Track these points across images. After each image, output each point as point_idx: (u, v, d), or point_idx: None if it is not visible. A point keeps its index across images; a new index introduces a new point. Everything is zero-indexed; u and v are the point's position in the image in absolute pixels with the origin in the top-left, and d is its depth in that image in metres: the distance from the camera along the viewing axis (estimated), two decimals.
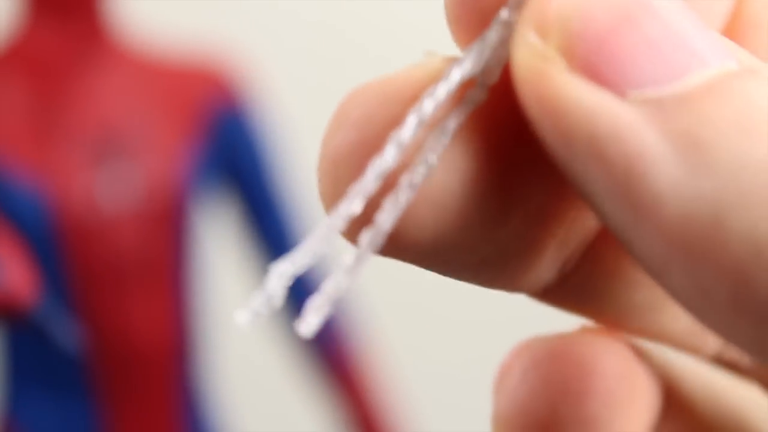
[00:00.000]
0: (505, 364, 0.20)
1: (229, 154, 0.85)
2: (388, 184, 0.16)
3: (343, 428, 0.87)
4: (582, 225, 0.19)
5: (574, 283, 0.20)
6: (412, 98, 0.17)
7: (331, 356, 0.85)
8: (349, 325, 0.86)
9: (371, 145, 0.17)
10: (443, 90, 0.17)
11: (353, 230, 0.17)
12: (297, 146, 0.94)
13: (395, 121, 0.17)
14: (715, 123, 0.15)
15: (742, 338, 0.15)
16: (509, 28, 0.17)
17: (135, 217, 0.81)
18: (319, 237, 0.17)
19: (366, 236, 0.16)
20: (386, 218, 0.16)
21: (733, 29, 0.18)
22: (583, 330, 0.20)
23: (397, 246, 0.17)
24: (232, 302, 1.13)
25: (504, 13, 0.17)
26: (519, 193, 0.18)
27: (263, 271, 0.88)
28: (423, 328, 1.27)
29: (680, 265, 0.15)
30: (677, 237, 0.15)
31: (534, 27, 0.16)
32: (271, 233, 0.86)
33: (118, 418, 0.82)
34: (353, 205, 0.16)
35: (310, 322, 0.16)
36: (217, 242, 0.92)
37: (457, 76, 0.17)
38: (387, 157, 0.16)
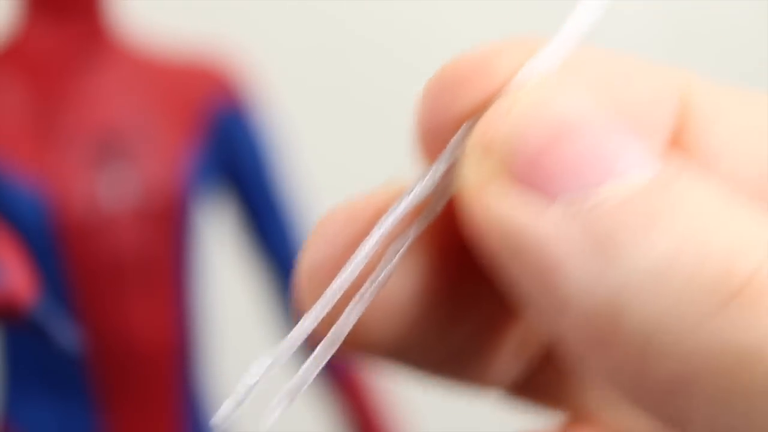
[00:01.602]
0: None
1: (230, 153, 0.85)
2: (351, 293, 0.19)
3: (344, 430, 0.87)
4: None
5: (541, 379, 0.22)
6: (375, 218, 0.20)
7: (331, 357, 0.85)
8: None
9: (340, 260, 0.20)
10: (400, 210, 0.19)
11: (323, 331, 0.20)
12: (298, 146, 0.94)
13: (361, 238, 0.20)
14: (623, 227, 0.17)
15: (652, 411, 0.17)
16: (461, 152, 0.19)
17: (135, 218, 0.81)
18: (294, 338, 0.19)
19: (326, 338, 0.19)
20: (345, 322, 0.19)
21: (680, 135, 0.20)
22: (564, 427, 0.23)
23: (357, 347, 0.20)
24: (233, 303, 1.14)
25: (454, 140, 0.19)
26: (469, 301, 0.20)
27: (263, 271, 0.87)
28: None
29: (592, 356, 0.17)
30: (587, 330, 0.17)
31: (478, 147, 0.18)
32: (271, 233, 0.86)
33: (118, 418, 0.82)
34: (323, 310, 0.19)
35: (269, 419, 0.20)
36: (218, 242, 0.92)
37: (409, 199, 0.19)
38: (351, 269, 0.19)
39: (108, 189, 0.80)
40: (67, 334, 0.61)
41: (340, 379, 0.86)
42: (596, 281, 0.17)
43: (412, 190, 0.19)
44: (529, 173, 0.18)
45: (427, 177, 0.19)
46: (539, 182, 0.18)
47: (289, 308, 0.87)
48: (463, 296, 0.20)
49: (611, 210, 0.17)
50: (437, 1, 1.25)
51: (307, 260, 0.21)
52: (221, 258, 0.96)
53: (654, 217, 0.17)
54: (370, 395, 0.86)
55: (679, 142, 0.20)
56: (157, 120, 0.82)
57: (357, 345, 0.20)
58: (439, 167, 0.19)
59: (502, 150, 0.18)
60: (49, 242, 0.79)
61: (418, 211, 0.20)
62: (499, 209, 0.18)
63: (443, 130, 0.20)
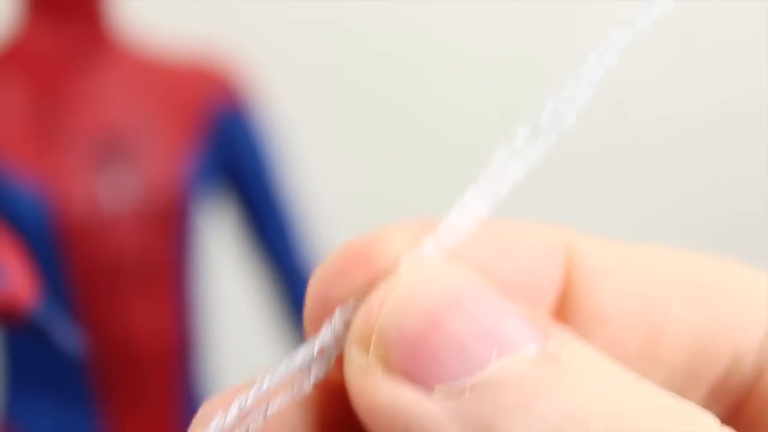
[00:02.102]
0: None
1: (230, 154, 0.85)
2: None
3: None
4: None
5: None
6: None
7: None
8: None
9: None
10: (277, 375, 0.20)
11: None
12: (298, 147, 0.94)
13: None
14: (503, 410, 0.17)
15: None
16: (344, 328, 0.20)
17: (136, 219, 0.81)
18: None
19: None
20: None
21: (567, 294, 0.21)
22: None
23: None
24: (234, 304, 1.14)
25: (335, 320, 0.20)
26: None
27: (264, 272, 0.87)
28: None
29: None
30: None
31: (356, 342, 0.19)
32: (271, 234, 0.86)
33: (119, 420, 0.82)
34: None
35: None
36: (218, 244, 0.92)
37: (283, 370, 0.20)
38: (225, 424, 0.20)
39: (108, 190, 0.80)
40: (67, 336, 0.61)
41: None
42: None
43: (284, 363, 0.20)
44: (406, 365, 0.18)
45: (305, 349, 0.20)
46: (417, 373, 0.18)
47: (289, 308, 0.87)
48: None
49: (490, 394, 0.17)
50: (437, 3, 1.25)
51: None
52: (222, 259, 0.96)
53: (533, 400, 0.17)
54: None
55: (565, 302, 0.20)
56: (157, 121, 0.82)
57: None
58: (312, 348, 0.20)
59: (379, 342, 0.18)
60: (49, 244, 0.79)
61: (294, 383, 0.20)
62: (382, 398, 0.18)
63: (327, 313, 0.20)
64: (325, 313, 0.20)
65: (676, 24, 1.28)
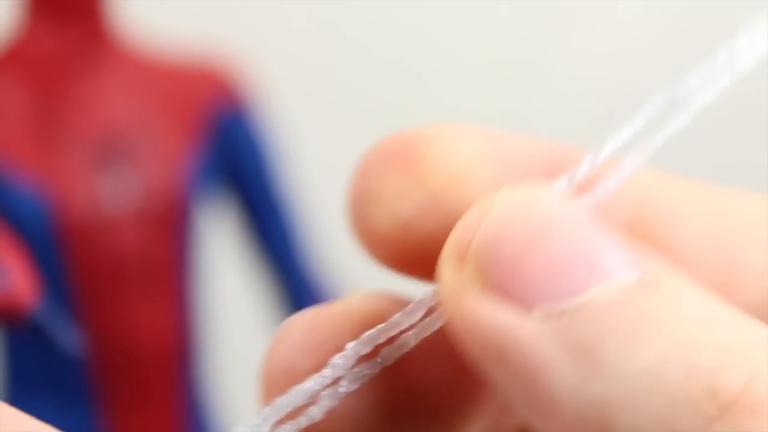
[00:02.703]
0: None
1: (231, 155, 0.85)
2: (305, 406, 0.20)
3: None
4: (508, 421, 0.22)
5: None
6: (337, 329, 0.20)
7: None
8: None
9: (299, 369, 0.20)
10: (375, 333, 0.20)
11: None
12: (299, 148, 0.94)
13: (322, 348, 0.20)
14: (606, 333, 0.17)
15: None
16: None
17: (137, 220, 0.81)
18: None
19: None
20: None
21: (641, 227, 0.21)
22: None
23: None
24: (235, 305, 1.14)
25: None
26: (431, 398, 0.21)
27: (265, 273, 0.87)
28: None
29: None
30: None
31: (454, 254, 0.18)
32: (272, 235, 0.86)
33: (119, 420, 0.82)
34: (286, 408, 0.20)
35: None
36: (220, 245, 0.92)
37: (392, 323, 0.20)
38: (307, 384, 0.19)
39: (109, 191, 0.80)
40: (68, 337, 0.61)
41: None
42: (581, 390, 0.17)
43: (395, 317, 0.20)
44: (505, 283, 0.18)
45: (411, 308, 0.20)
46: (516, 291, 0.18)
47: (290, 309, 0.87)
48: (421, 393, 0.21)
49: (591, 318, 0.17)
50: (437, 4, 1.25)
51: (267, 367, 0.21)
52: (223, 260, 0.96)
53: (637, 326, 0.17)
54: None
55: (636, 238, 0.20)
56: (158, 122, 0.82)
57: None
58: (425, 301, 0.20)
59: (477, 258, 0.18)
60: (50, 244, 0.79)
61: (391, 340, 0.20)
62: (478, 317, 0.18)
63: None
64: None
65: (675, 23, 1.28)
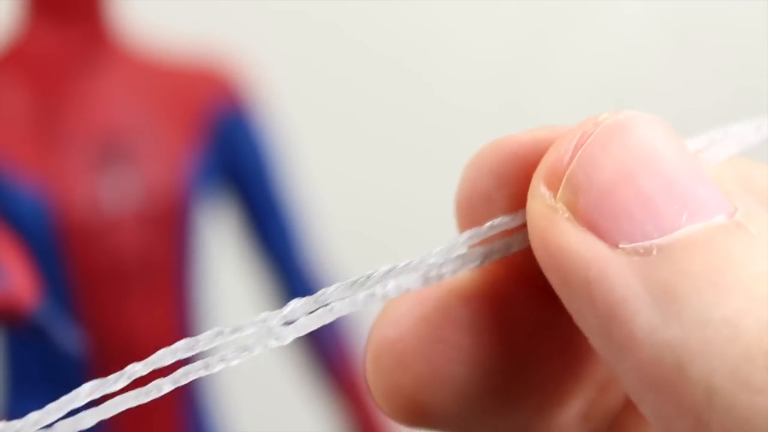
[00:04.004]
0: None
1: (231, 156, 0.85)
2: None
3: (344, 430, 0.87)
4: (606, 399, 0.22)
5: None
6: (442, 302, 0.20)
7: (332, 358, 0.85)
8: (350, 327, 0.86)
9: (407, 341, 0.20)
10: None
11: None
12: (299, 148, 0.94)
13: (427, 320, 0.20)
14: (690, 276, 0.17)
15: None
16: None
17: (137, 220, 0.81)
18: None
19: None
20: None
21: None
22: None
23: (416, 419, 0.21)
24: (235, 305, 1.14)
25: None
26: (534, 373, 0.21)
27: (265, 273, 0.87)
28: None
29: (651, 399, 0.17)
30: (649, 376, 0.17)
31: (544, 180, 0.18)
32: (273, 235, 0.86)
33: (120, 420, 0.82)
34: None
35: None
36: (220, 245, 0.92)
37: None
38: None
39: (110, 191, 0.80)
40: (68, 337, 0.61)
41: (340, 380, 0.85)
42: (660, 331, 0.17)
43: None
44: (595, 214, 0.18)
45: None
46: (604, 224, 0.17)
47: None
48: (526, 370, 0.21)
49: (677, 259, 0.17)
50: (437, 4, 1.25)
51: (374, 339, 0.21)
52: (223, 260, 0.96)
53: (720, 273, 0.17)
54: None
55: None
56: (158, 122, 0.82)
57: (416, 417, 0.20)
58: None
59: (569, 186, 0.18)
60: (50, 245, 0.79)
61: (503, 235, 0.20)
62: (566, 244, 0.18)
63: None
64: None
65: (676, 19, 1.28)
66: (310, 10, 1.23)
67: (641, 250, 0.17)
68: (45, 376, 0.81)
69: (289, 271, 0.86)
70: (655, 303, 0.17)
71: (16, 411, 0.81)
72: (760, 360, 0.16)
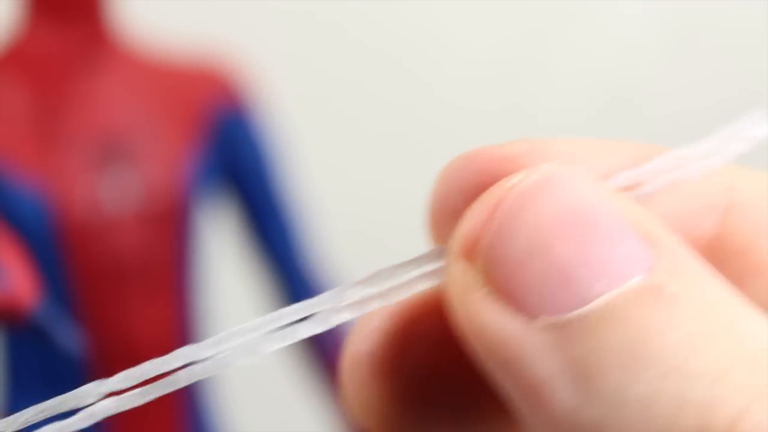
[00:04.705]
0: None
1: (232, 156, 0.85)
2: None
3: (343, 430, 0.87)
4: None
5: None
6: (413, 315, 0.20)
7: (333, 358, 0.85)
8: (351, 327, 0.86)
9: (375, 356, 0.20)
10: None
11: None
12: (299, 148, 0.94)
13: (401, 335, 0.20)
14: (605, 352, 0.16)
15: None
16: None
17: (137, 220, 0.81)
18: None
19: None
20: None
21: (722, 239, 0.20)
22: None
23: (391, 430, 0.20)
24: (235, 305, 1.14)
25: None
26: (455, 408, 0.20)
27: (265, 273, 0.87)
28: None
29: None
30: None
31: (461, 251, 0.18)
32: (273, 235, 0.86)
33: (120, 420, 0.82)
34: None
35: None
36: (220, 245, 0.92)
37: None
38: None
39: (110, 191, 0.80)
40: (68, 337, 0.61)
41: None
42: (578, 410, 0.16)
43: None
44: (512, 286, 0.17)
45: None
46: (522, 297, 0.17)
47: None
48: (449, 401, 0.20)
49: (591, 332, 0.16)
50: (437, 3, 1.25)
51: (348, 354, 0.21)
52: (223, 260, 0.96)
53: (635, 344, 0.16)
54: None
55: (719, 243, 0.19)
56: (158, 122, 0.82)
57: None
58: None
59: (485, 257, 0.17)
60: (50, 245, 0.79)
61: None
62: (483, 321, 0.17)
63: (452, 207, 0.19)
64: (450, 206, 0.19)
65: (676, 18, 1.27)
66: (310, 10, 1.23)
67: (558, 324, 0.16)
68: (45, 376, 0.81)
69: (289, 271, 0.86)
70: (572, 382, 0.16)
71: (16, 410, 0.81)
72: None
